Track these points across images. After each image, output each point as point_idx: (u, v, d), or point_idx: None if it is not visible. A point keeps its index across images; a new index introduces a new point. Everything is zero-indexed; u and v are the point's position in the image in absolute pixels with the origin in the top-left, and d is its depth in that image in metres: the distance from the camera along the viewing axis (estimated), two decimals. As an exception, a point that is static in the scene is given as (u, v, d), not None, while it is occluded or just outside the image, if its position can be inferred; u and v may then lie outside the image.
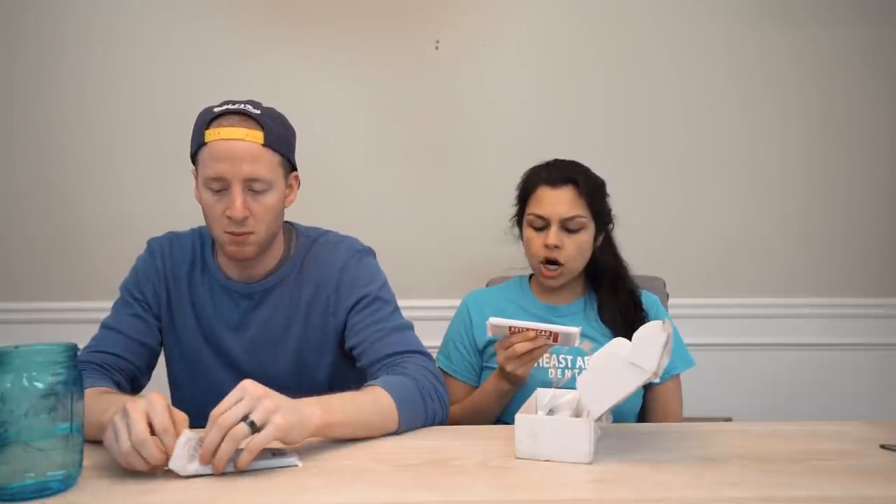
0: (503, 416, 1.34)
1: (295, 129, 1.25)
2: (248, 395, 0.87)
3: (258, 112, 1.16)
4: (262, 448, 0.86)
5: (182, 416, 0.89)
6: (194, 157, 1.19)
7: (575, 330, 1.13)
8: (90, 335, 1.25)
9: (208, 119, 1.15)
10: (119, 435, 0.85)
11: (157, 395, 0.89)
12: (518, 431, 0.94)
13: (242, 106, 1.16)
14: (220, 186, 1.14)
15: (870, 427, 1.09)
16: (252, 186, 1.15)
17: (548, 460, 0.92)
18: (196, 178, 1.19)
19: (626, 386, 0.92)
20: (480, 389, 1.36)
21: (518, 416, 0.95)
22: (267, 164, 1.15)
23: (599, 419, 0.95)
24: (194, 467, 0.86)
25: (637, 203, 2.00)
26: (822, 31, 2.02)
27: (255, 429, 0.85)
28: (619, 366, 0.92)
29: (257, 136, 1.14)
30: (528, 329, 1.15)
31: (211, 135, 1.13)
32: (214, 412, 0.86)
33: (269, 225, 1.19)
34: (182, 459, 0.85)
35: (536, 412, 1.07)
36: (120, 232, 1.98)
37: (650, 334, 0.93)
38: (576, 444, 0.92)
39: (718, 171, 2.05)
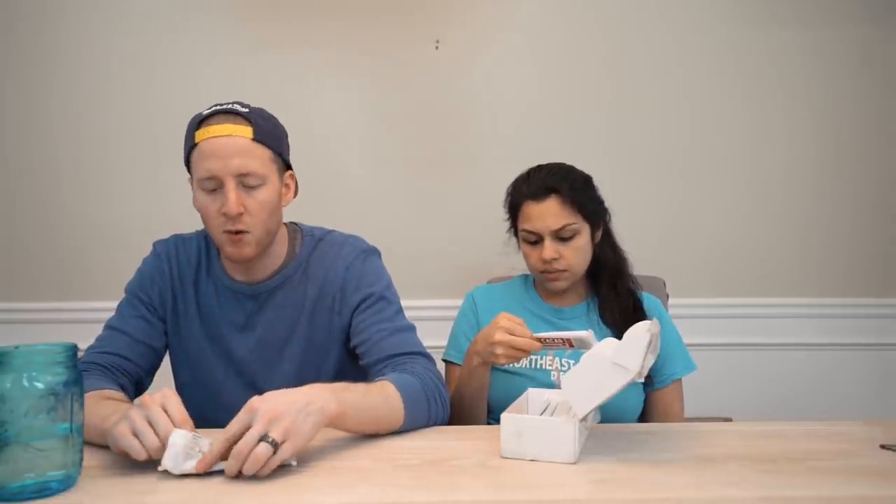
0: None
1: (287, 131, 1.24)
2: (260, 419, 0.85)
3: (246, 110, 1.17)
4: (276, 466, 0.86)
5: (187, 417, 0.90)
6: (188, 163, 1.19)
7: (585, 333, 1.12)
8: (89, 335, 1.25)
9: (197, 121, 1.16)
10: (143, 433, 0.86)
11: (169, 391, 0.91)
12: (504, 431, 0.94)
13: (230, 105, 1.17)
14: (214, 185, 1.15)
15: (869, 427, 1.09)
16: (245, 181, 1.15)
17: (533, 459, 0.92)
18: (192, 184, 1.19)
19: (610, 386, 0.92)
20: (461, 371, 1.34)
21: (504, 416, 0.95)
22: (258, 159, 1.16)
23: (585, 419, 0.95)
24: (189, 465, 0.86)
25: (638, 203, 2.00)
26: (824, 30, 2.02)
27: (276, 447, 0.85)
28: (604, 366, 0.93)
29: (246, 131, 1.15)
30: (540, 338, 1.16)
31: (200, 135, 1.14)
32: (225, 436, 0.86)
33: (265, 222, 1.18)
34: (176, 459, 0.85)
35: (528, 412, 1.08)
36: (118, 233, 1.98)
37: (635, 335, 0.93)
38: (560, 443, 0.92)
39: (719, 172, 2.05)
